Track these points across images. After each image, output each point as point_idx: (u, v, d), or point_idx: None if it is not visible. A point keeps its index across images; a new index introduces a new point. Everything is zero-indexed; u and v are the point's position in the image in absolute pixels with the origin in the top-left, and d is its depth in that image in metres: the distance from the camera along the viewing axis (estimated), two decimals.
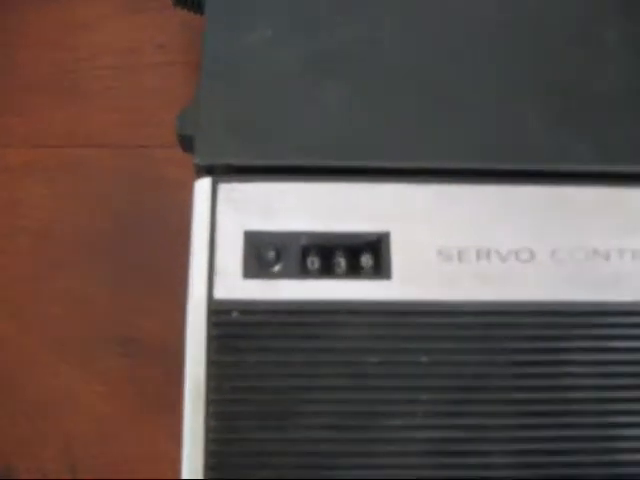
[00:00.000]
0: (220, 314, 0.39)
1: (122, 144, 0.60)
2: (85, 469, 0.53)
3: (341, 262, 0.40)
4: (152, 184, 0.59)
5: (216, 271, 0.40)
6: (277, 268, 0.40)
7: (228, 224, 0.40)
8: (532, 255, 0.40)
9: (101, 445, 0.53)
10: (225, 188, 0.41)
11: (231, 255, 0.40)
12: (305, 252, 0.40)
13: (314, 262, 0.40)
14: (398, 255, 0.40)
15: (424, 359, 0.39)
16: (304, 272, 0.40)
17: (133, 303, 0.56)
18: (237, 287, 0.39)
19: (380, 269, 0.40)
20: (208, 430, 0.38)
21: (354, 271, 0.40)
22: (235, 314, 0.39)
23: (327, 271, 0.40)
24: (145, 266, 0.57)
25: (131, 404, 0.54)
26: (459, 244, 0.40)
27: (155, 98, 0.61)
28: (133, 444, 0.54)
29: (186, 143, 0.43)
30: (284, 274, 0.40)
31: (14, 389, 0.54)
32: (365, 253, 0.40)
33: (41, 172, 0.59)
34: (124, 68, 0.62)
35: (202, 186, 0.41)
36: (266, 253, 0.40)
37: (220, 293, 0.39)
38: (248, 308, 0.39)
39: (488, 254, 0.40)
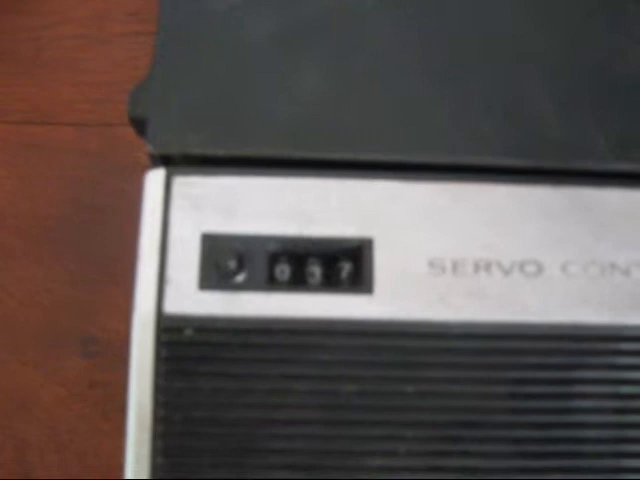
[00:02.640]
0: (171, 332, 0.32)
1: (86, 122, 0.55)
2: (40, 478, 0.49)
3: (315, 272, 0.33)
4: (118, 167, 0.54)
5: (167, 280, 0.33)
6: (240, 278, 0.33)
7: (183, 224, 0.33)
8: (540, 269, 0.33)
9: (58, 453, 0.49)
10: (181, 182, 0.34)
11: (186, 261, 0.33)
12: (273, 260, 0.33)
13: (283, 271, 0.33)
14: (382, 265, 0.33)
15: (410, 389, 0.32)
16: (271, 283, 0.33)
17: (96, 298, 0.51)
18: (192, 300, 0.33)
19: (361, 281, 0.33)
20: (155, 469, 0.32)
21: (330, 283, 0.33)
22: (189, 332, 0.32)
23: (299, 283, 0.33)
24: (109, 258, 0.52)
25: (91, 410, 0.50)
26: (454, 254, 0.33)
27: (124, 71, 0.56)
28: (92, 454, 0.49)
29: (139, 126, 0.36)
30: (248, 286, 0.33)
31: None
32: (343, 262, 0.34)
33: None
34: (91, 38, 0.56)
35: (154, 178, 0.34)
36: (227, 260, 0.33)
37: (171, 307, 0.33)
38: (204, 325, 0.32)
39: (488, 267, 0.33)
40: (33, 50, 0.56)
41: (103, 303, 0.52)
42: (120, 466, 0.48)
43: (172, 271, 0.33)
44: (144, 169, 0.53)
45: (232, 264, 0.33)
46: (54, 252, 0.53)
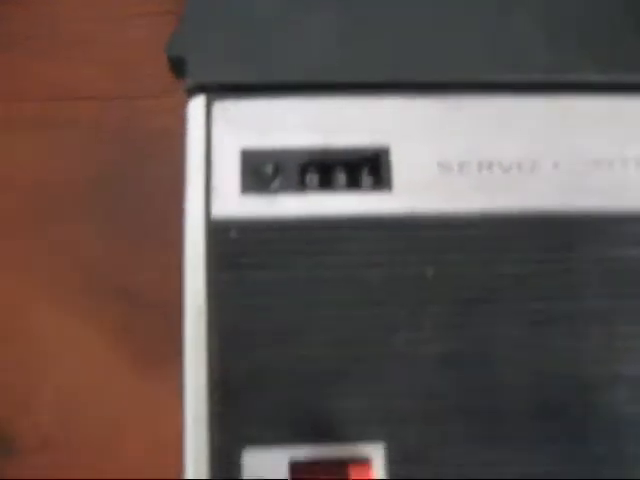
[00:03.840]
0: (219, 232, 0.37)
1: (108, 96, 0.58)
2: (78, 423, 0.52)
3: (340, 178, 0.39)
4: (141, 135, 0.58)
5: (213, 189, 0.38)
6: (276, 184, 0.38)
7: (224, 142, 0.38)
8: (535, 166, 0.39)
9: (96, 397, 0.52)
10: (220, 106, 0.39)
11: (228, 173, 0.38)
12: (303, 169, 0.38)
13: (312, 179, 0.39)
14: (398, 168, 0.38)
15: (429, 272, 0.37)
16: (303, 187, 0.38)
17: (129, 254, 0.54)
18: (235, 204, 0.37)
19: (381, 182, 0.38)
20: (211, 349, 0.36)
21: (354, 185, 0.39)
22: (234, 232, 0.37)
23: (327, 186, 0.39)
24: (138, 217, 0.55)
25: (129, 355, 0.53)
26: (460, 157, 0.39)
27: (141, 50, 0.59)
28: (130, 397, 0.52)
29: (177, 67, 0.41)
30: (283, 189, 0.38)
31: (9, 340, 0.52)
32: (365, 167, 0.39)
33: (24, 127, 0.57)
34: (108, 18, 0.60)
35: (196, 104, 0.39)
36: (264, 169, 0.38)
37: (218, 211, 0.38)
38: (247, 225, 0.37)
39: (490, 166, 0.39)
40: (52, 32, 0.60)
41: (135, 258, 0.55)
42: (158, 407, 0.52)
43: (217, 181, 0.38)
44: (167, 134, 0.57)
45: (268, 172, 0.38)
46: (87, 214, 0.55)
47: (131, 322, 0.54)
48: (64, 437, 0.52)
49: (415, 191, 0.38)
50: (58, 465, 0.51)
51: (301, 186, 0.38)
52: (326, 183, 0.38)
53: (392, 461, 0.36)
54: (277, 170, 0.38)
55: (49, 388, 0.52)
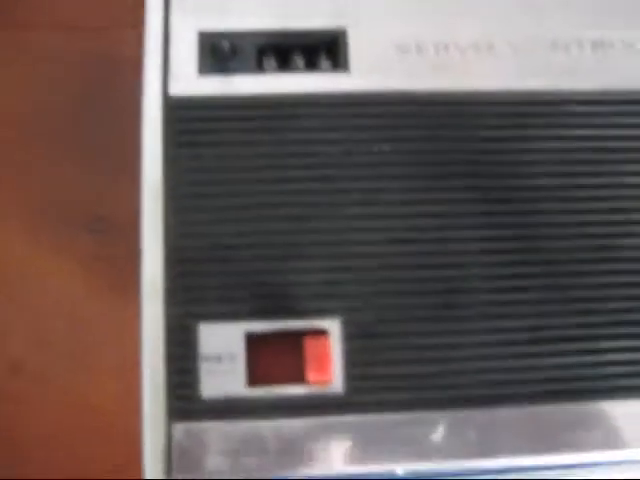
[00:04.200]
0: (176, 110, 0.37)
1: (77, 25, 0.58)
2: (52, 348, 0.52)
3: (298, 60, 0.39)
4: (109, 65, 0.57)
5: (171, 69, 0.38)
6: (233, 65, 0.38)
7: (182, 25, 0.38)
8: (491, 47, 0.39)
9: (66, 321, 0.52)
10: None
11: (186, 54, 0.37)
12: (261, 52, 0.38)
13: (270, 61, 0.38)
14: (356, 50, 0.38)
15: (386, 148, 0.37)
16: (261, 69, 0.38)
17: (101, 183, 0.54)
18: (193, 84, 0.37)
19: (338, 64, 0.38)
20: (167, 225, 0.36)
21: (312, 67, 0.38)
22: (192, 110, 0.37)
23: (284, 68, 0.38)
24: (112, 147, 0.55)
25: (99, 282, 0.52)
26: (417, 38, 0.38)
27: None
28: (100, 322, 0.52)
29: None
30: (240, 70, 0.38)
31: None
32: (323, 50, 0.38)
33: None
34: None
35: None
36: (221, 50, 0.38)
37: (176, 90, 0.37)
38: (205, 103, 0.37)
39: (446, 47, 0.39)
40: None
41: (110, 188, 0.55)
42: (126, 332, 0.51)
43: (174, 62, 0.38)
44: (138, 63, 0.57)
45: (226, 52, 0.38)
46: (59, 143, 0.55)
47: (103, 251, 0.54)
48: (37, 360, 0.52)
49: (373, 72, 0.38)
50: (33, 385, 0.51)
51: (259, 68, 0.38)
52: (284, 65, 0.38)
53: (349, 335, 0.36)
54: (234, 51, 0.38)
55: (22, 314, 0.52)
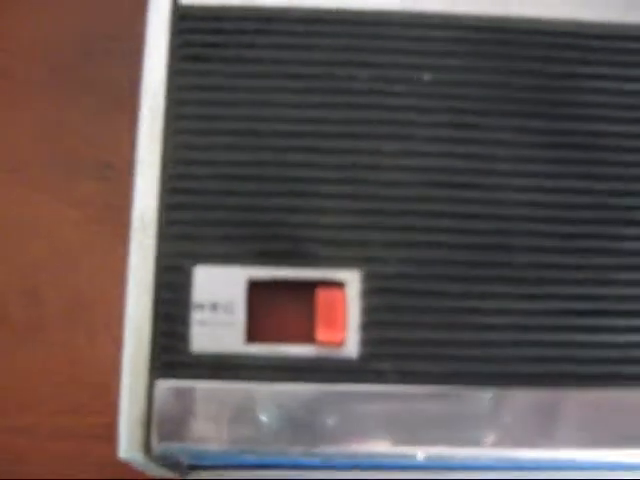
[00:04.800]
0: (186, 20, 0.32)
1: None
2: (49, 294, 0.48)
3: None
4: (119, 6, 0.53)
5: None
6: None
7: None
8: None
9: (71, 272, 0.48)
10: None
11: None
12: None
13: None
14: None
15: (426, 77, 0.32)
16: None
17: (108, 128, 0.50)
18: None
19: None
20: (166, 149, 0.31)
21: None
22: (202, 21, 0.32)
23: None
24: (121, 92, 0.51)
25: (106, 230, 0.48)
26: None
27: None
28: (104, 270, 0.48)
29: None
30: None
31: None
32: None
33: None
34: None
35: None
36: None
37: None
38: (219, 14, 0.32)
39: None
40: None
41: (115, 133, 0.51)
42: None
43: None
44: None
45: None
46: (65, 87, 0.52)
47: (110, 200, 0.50)
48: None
49: None
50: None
51: None
52: None
53: (368, 291, 0.30)
54: None
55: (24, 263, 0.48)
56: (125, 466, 0.32)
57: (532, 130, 0.31)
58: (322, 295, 0.30)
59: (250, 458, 0.32)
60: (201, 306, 0.30)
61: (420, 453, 0.30)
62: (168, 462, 0.32)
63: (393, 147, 0.31)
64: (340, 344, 0.30)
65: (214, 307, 0.30)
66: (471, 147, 0.31)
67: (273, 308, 0.31)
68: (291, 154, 0.31)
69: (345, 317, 0.30)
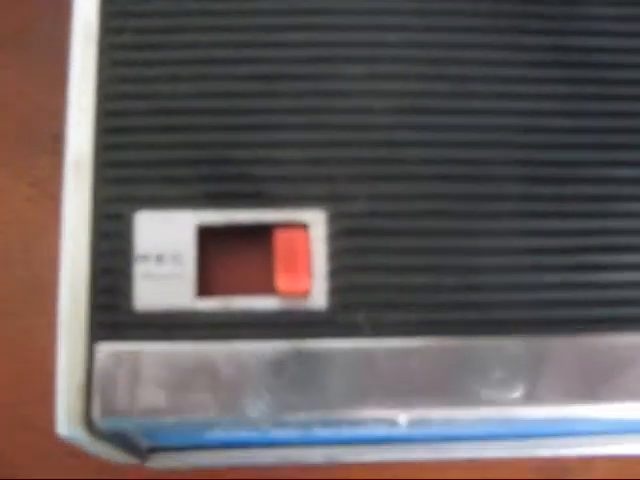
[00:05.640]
0: None
1: None
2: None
3: None
4: None
5: None
6: None
7: None
8: None
9: (24, 253, 0.45)
10: None
11: None
12: None
13: None
14: None
15: None
16: None
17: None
18: None
19: None
20: (101, 78, 0.28)
21: None
22: None
23: None
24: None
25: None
26: None
27: None
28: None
29: None
30: None
31: None
32: None
33: None
34: None
35: None
36: None
37: None
38: None
39: None
40: None
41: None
42: None
43: None
44: None
45: None
46: (23, 57, 0.49)
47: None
48: None
49: None
50: None
51: None
52: None
53: (336, 232, 0.27)
54: None
55: None
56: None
57: (520, 47, 0.27)
58: (280, 237, 0.26)
59: (209, 432, 0.28)
60: (145, 257, 0.26)
61: (401, 416, 0.26)
62: (120, 442, 0.28)
63: (362, 70, 0.27)
64: (305, 294, 0.26)
65: (159, 258, 0.26)
66: (449, 68, 0.27)
67: (227, 257, 0.27)
68: (241, 83, 0.27)
69: (310, 263, 0.26)
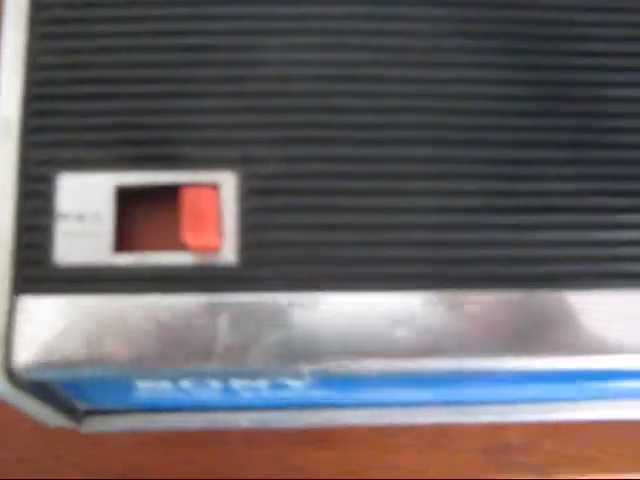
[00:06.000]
0: None
1: None
2: None
3: None
4: None
5: None
6: None
7: None
8: None
9: None
10: None
11: None
12: None
13: None
14: None
15: None
16: None
17: None
18: None
19: None
20: (29, 57, 0.29)
21: None
22: None
23: None
24: None
25: None
26: None
27: None
28: None
29: None
30: None
31: None
32: None
33: None
34: None
35: None
36: None
37: None
38: None
39: None
40: None
41: None
42: None
43: None
44: None
45: None
46: None
47: None
48: None
49: None
50: None
51: None
52: None
53: (246, 192, 0.28)
54: None
55: None
56: None
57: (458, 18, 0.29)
58: (187, 195, 0.27)
59: (132, 389, 0.30)
60: (66, 216, 0.28)
61: (305, 368, 0.27)
62: (49, 399, 0.30)
63: (279, 40, 0.29)
64: (216, 250, 0.27)
65: (80, 217, 0.28)
66: (354, 38, 0.29)
67: (144, 216, 0.28)
68: (160, 54, 0.29)
69: (219, 220, 0.28)
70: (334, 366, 0.27)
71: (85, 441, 0.36)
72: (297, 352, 0.27)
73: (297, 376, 0.28)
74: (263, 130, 0.28)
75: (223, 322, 0.27)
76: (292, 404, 0.33)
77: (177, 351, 0.27)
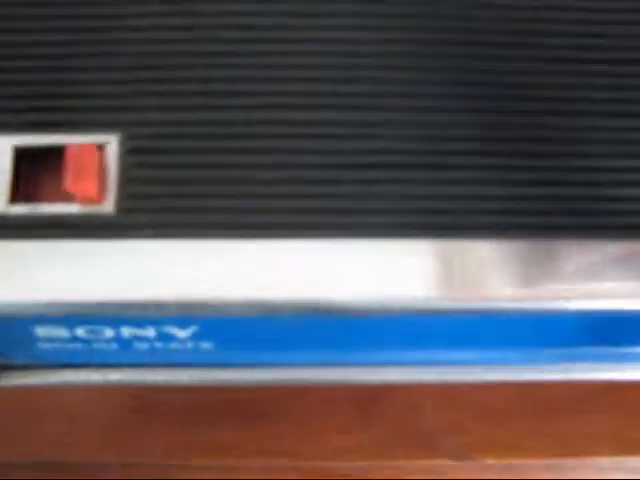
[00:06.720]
0: None
1: None
2: None
3: None
4: None
5: None
6: None
7: None
8: None
9: None
10: None
11: None
12: None
13: None
14: None
15: None
16: None
17: None
18: None
19: None
20: None
21: None
22: None
23: None
24: None
25: None
26: None
27: None
28: None
29: None
30: None
31: None
32: None
33: None
34: None
35: None
36: None
37: None
38: None
39: None
40: None
41: None
42: None
43: None
44: None
45: None
46: None
47: None
48: None
49: None
50: None
51: None
52: None
53: (127, 151, 0.32)
54: None
55: None
56: None
57: None
58: (71, 150, 0.31)
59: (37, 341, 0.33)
60: None
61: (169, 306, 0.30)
62: None
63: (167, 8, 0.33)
64: (98, 200, 0.31)
65: None
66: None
67: (39, 173, 0.32)
68: (53, 23, 0.33)
69: (98, 172, 0.31)
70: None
71: None
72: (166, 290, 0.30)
73: (161, 311, 0.31)
74: (144, 99, 0.32)
75: (99, 265, 0.30)
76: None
77: (58, 289, 0.30)
